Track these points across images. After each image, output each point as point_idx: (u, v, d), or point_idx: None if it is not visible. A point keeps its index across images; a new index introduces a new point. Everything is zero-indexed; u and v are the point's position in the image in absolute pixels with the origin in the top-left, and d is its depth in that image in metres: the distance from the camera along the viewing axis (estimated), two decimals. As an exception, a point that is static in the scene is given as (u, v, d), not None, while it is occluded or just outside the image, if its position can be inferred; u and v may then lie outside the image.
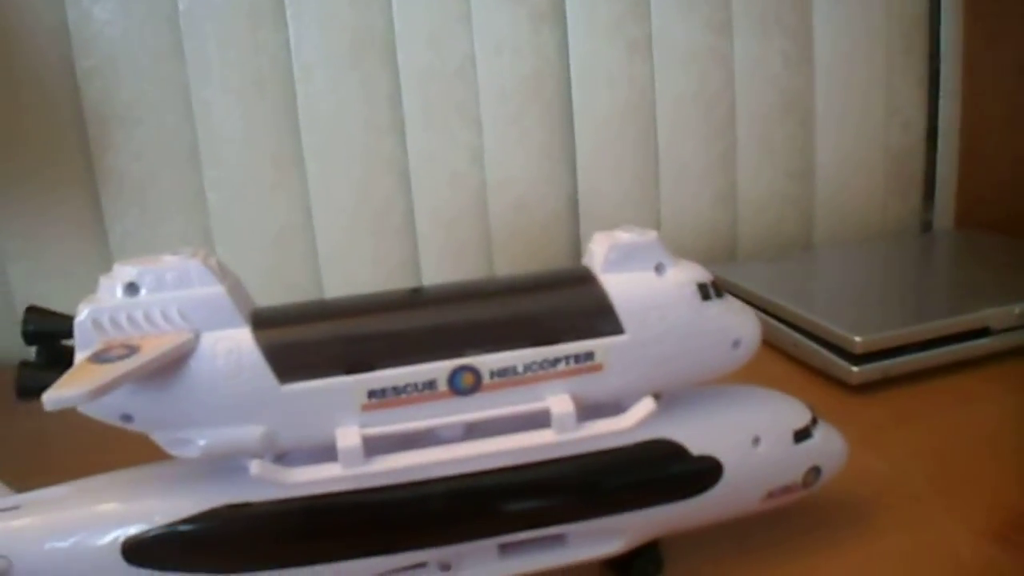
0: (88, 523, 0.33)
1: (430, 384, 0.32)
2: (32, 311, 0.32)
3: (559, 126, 0.77)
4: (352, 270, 0.76)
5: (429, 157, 0.75)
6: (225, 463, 0.34)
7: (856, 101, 0.83)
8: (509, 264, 0.78)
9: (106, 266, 0.70)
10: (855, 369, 0.55)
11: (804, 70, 0.82)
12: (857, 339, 0.54)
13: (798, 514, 0.40)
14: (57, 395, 0.27)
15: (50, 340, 0.32)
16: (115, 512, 0.33)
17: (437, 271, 0.77)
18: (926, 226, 0.89)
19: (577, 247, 0.80)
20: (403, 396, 0.32)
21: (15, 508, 0.34)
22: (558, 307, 0.34)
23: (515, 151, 0.76)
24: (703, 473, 0.35)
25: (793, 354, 0.60)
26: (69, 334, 0.31)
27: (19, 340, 0.69)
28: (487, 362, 0.32)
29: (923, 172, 0.87)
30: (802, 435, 0.37)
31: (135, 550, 0.32)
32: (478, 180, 0.76)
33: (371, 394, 0.31)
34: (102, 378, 0.27)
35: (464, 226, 0.77)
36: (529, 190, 0.77)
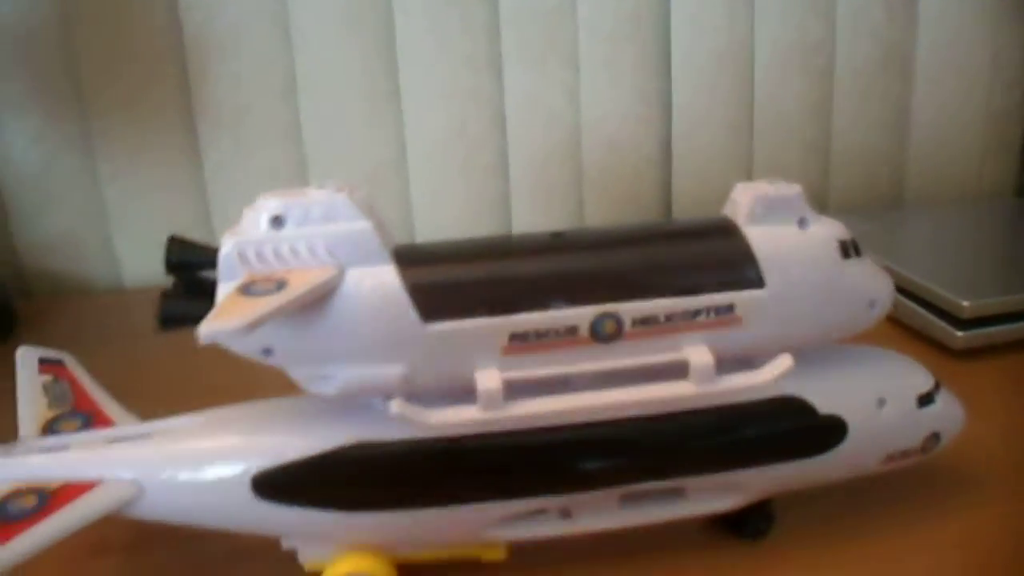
0: (219, 454, 0.34)
1: (572, 330, 0.31)
2: (175, 241, 0.32)
3: (656, 69, 0.76)
4: (443, 207, 0.76)
5: (525, 95, 0.74)
6: (353, 401, 0.34)
7: (960, 56, 0.81)
8: (599, 205, 0.77)
9: (200, 193, 0.72)
10: (960, 334, 0.54)
11: (908, 22, 0.79)
12: (965, 303, 0.53)
13: (908, 477, 0.40)
14: (212, 328, 0.27)
15: (189, 270, 0.32)
16: (246, 445, 0.34)
17: (528, 210, 0.77)
18: (1020, 189, 0.86)
19: (668, 191, 0.79)
20: (544, 341, 0.31)
21: (147, 436, 0.35)
22: (701, 257, 0.33)
23: (611, 92, 0.75)
24: (828, 432, 0.35)
25: (890, 314, 0.59)
26: (208, 265, 0.31)
27: (112, 259, 0.71)
28: (630, 310, 0.32)
29: (1023, 133, 0.85)
30: (925, 400, 0.37)
31: (265, 484, 0.32)
32: (572, 120, 0.75)
33: (513, 337, 0.31)
34: (256, 312, 0.27)
35: (556, 165, 0.76)
36: (623, 132, 0.76)
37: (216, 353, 0.31)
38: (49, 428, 0.38)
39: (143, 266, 0.72)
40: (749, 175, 0.79)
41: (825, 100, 0.80)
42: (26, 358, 0.42)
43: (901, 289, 0.58)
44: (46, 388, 0.40)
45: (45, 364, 0.42)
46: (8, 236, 0.72)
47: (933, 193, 0.84)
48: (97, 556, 0.39)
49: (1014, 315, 0.54)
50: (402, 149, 0.74)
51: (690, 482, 0.35)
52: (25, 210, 0.71)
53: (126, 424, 0.38)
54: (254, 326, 0.27)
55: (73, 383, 0.41)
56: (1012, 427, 0.46)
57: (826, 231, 0.34)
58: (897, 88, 0.81)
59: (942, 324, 0.55)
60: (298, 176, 0.72)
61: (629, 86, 0.76)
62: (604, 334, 0.32)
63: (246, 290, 0.29)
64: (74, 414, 0.39)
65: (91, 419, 0.39)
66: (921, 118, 0.82)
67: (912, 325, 0.57)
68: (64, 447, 0.35)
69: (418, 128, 0.73)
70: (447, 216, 0.76)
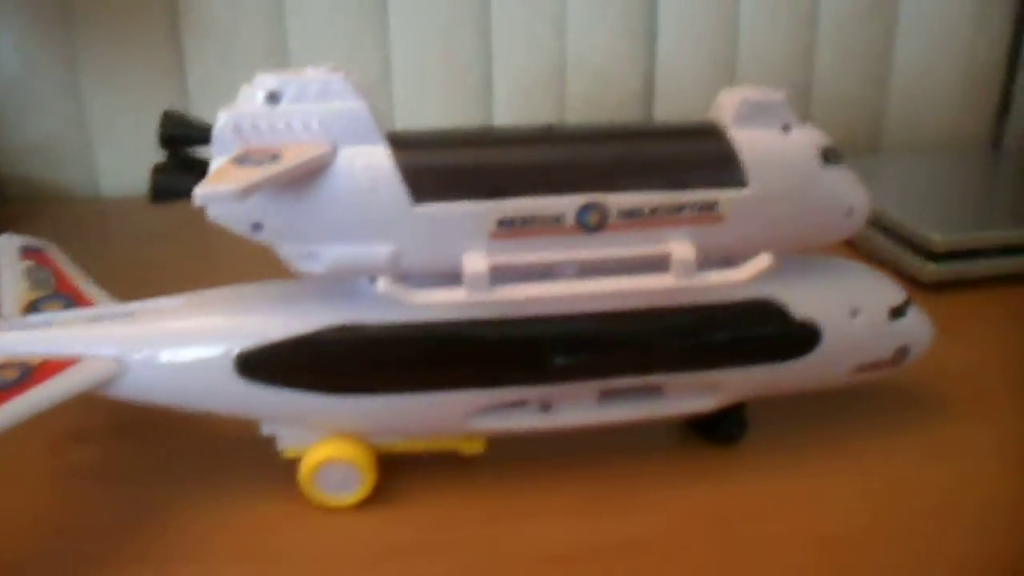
0: (203, 334, 0.34)
1: (558, 218, 0.32)
2: (169, 116, 0.32)
3: (643, 5, 0.76)
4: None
5: (512, 22, 0.74)
6: (339, 285, 0.34)
7: (945, 10, 0.81)
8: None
9: (183, 106, 0.71)
10: (931, 266, 0.54)
11: (895, -29, 0.80)
12: (937, 237, 0.54)
13: (877, 396, 0.41)
14: (207, 191, 0.27)
15: (182, 145, 0.32)
16: (230, 325, 0.34)
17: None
18: (996, 143, 0.87)
19: (648, 124, 0.80)
20: (531, 227, 0.32)
21: (130, 315, 0.35)
22: (687, 155, 0.33)
23: (598, 26, 0.76)
24: (803, 338, 0.36)
25: (862, 247, 0.60)
26: (202, 142, 0.32)
27: (91, 168, 0.71)
28: (615, 201, 0.32)
29: (1001, 89, 0.86)
30: (897, 313, 0.37)
31: (249, 363, 0.33)
32: (558, 49, 0.76)
33: (500, 223, 0.31)
34: (250, 178, 0.27)
35: (540, 94, 0.77)
36: (608, 64, 0.77)
37: (192, 259, 0.31)
38: (32, 308, 0.38)
39: (121, 175, 0.72)
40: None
41: (809, 46, 0.80)
42: (7, 245, 0.43)
43: (874, 223, 0.59)
44: (28, 272, 0.40)
45: (27, 252, 0.42)
46: (-14, 141, 0.71)
47: (910, 142, 0.85)
48: (78, 441, 0.40)
49: (984, 251, 0.55)
50: (387, 68, 0.74)
51: (667, 380, 0.35)
52: (4, 115, 0.71)
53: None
54: (248, 192, 0.27)
55: (55, 269, 0.41)
56: (977, 356, 0.47)
57: (808, 137, 0.35)
58: (881, 39, 0.82)
59: (913, 257, 0.56)
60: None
61: (617, 20, 0.76)
62: (589, 224, 0.32)
63: (241, 160, 0.29)
64: (57, 295, 0.39)
65: (73, 301, 0.39)
66: (902, 69, 0.83)
67: (884, 258, 0.58)
68: (46, 324, 0.35)
69: (403, 49, 0.73)
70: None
